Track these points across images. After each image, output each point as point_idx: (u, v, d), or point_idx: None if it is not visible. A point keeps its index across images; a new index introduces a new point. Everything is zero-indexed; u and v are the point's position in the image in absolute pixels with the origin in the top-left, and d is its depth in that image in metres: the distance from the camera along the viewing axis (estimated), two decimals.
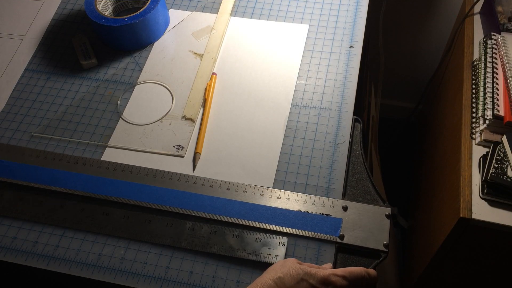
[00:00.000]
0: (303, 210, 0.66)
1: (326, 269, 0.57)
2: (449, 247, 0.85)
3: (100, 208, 0.68)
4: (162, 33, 0.87)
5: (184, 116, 0.76)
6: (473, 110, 0.85)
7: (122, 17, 0.81)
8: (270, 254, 0.62)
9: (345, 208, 0.66)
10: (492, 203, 0.75)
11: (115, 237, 0.66)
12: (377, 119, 1.30)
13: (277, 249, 0.63)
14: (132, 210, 0.67)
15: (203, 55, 0.83)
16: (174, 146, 0.74)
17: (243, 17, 0.89)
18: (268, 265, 0.62)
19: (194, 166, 0.71)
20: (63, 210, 0.68)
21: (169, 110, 0.78)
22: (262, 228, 0.65)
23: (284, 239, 0.64)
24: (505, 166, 0.75)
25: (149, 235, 0.65)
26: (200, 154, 0.72)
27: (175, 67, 0.83)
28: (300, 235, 0.64)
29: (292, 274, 0.54)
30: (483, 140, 0.80)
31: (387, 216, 0.65)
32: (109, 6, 0.88)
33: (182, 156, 0.72)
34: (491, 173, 0.74)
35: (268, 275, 0.54)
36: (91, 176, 0.70)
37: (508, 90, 0.80)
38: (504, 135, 0.77)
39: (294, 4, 0.90)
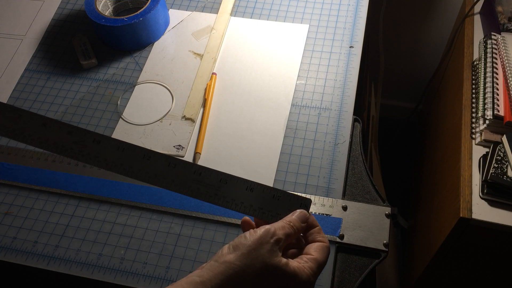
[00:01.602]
0: None
1: (305, 271, 0.49)
2: (449, 247, 0.85)
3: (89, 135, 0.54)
4: (162, 33, 0.87)
5: (184, 116, 0.76)
6: (473, 110, 0.85)
7: (122, 17, 0.82)
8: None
9: (345, 208, 0.66)
10: (492, 203, 0.75)
11: (115, 236, 0.66)
12: (377, 119, 1.30)
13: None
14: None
15: (203, 55, 0.83)
16: (174, 146, 0.74)
17: (243, 17, 0.89)
18: None
19: None
20: (45, 129, 0.54)
21: (169, 110, 0.78)
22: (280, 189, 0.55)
23: (308, 201, 0.53)
24: (505, 166, 0.75)
25: (146, 174, 0.54)
26: (200, 154, 0.72)
27: (175, 67, 0.83)
28: None
29: (269, 278, 0.47)
30: (483, 140, 0.80)
31: (387, 216, 0.65)
32: (109, 6, 0.88)
33: (182, 156, 0.72)
34: (491, 173, 0.74)
35: (240, 273, 0.46)
36: (91, 177, 0.70)
37: (508, 90, 0.80)
38: (504, 135, 0.77)
39: (294, 4, 0.90)
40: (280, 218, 0.51)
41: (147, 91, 0.80)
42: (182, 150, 0.73)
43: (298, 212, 0.52)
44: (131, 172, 0.53)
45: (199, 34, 0.86)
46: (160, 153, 0.53)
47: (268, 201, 0.53)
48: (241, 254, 0.46)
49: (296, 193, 0.58)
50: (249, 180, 0.53)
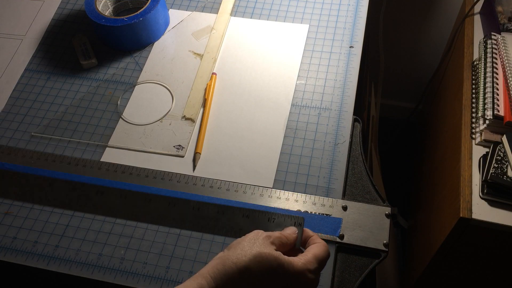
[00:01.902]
0: (303, 210, 0.66)
1: (300, 261, 0.50)
2: (449, 247, 0.85)
3: (93, 187, 0.62)
4: (162, 33, 0.87)
5: (184, 116, 0.76)
6: (473, 110, 0.85)
7: (122, 17, 0.82)
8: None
9: (345, 208, 0.66)
10: (492, 203, 0.75)
11: (115, 236, 0.66)
12: (377, 119, 1.30)
13: None
14: (130, 192, 0.62)
15: (203, 55, 0.83)
16: (174, 146, 0.74)
17: (243, 17, 0.89)
18: None
19: (194, 166, 0.71)
20: (51, 189, 0.65)
21: (169, 110, 0.78)
22: (274, 207, 0.60)
23: (301, 218, 0.58)
24: (505, 166, 0.75)
25: (148, 216, 0.59)
26: (200, 154, 0.72)
27: (175, 67, 0.83)
28: None
29: (264, 265, 0.47)
30: (483, 140, 0.80)
31: (387, 216, 0.65)
32: (109, 6, 0.88)
33: (182, 156, 0.72)
34: (491, 173, 0.74)
35: (234, 261, 0.47)
36: (91, 177, 0.70)
37: (508, 90, 0.80)
38: (504, 135, 0.77)
39: (294, 4, 0.90)
40: None
41: (147, 91, 0.80)
42: (182, 150, 0.73)
43: (287, 228, 0.55)
44: (135, 217, 0.59)
45: (199, 34, 0.86)
46: (160, 195, 0.59)
47: (264, 225, 0.57)
48: (234, 248, 0.48)
49: (291, 210, 0.62)
50: (244, 208, 0.58)
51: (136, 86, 0.81)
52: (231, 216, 0.58)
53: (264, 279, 0.47)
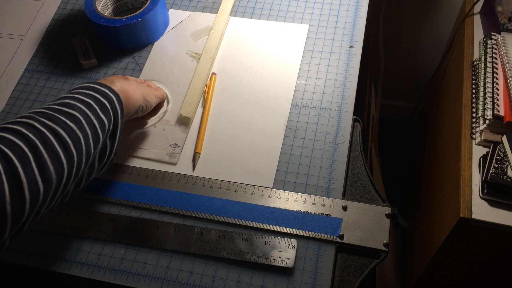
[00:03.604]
0: (303, 210, 0.66)
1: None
2: (449, 247, 0.85)
3: (106, 215, 0.67)
4: (162, 33, 0.87)
5: (181, 114, 0.76)
6: (473, 110, 0.85)
7: (121, 18, 0.81)
8: (280, 257, 0.62)
9: (345, 208, 0.66)
10: (492, 203, 0.75)
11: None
12: (377, 119, 1.30)
13: (287, 251, 0.63)
14: (139, 216, 0.67)
15: (201, 54, 0.83)
16: (170, 145, 0.73)
17: (243, 17, 0.89)
18: (279, 268, 0.62)
19: (194, 166, 0.71)
20: (68, 217, 0.67)
21: (166, 110, 0.78)
22: (269, 230, 0.65)
23: (294, 241, 0.63)
24: (505, 166, 0.75)
25: (157, 240, 0.64)
26: (200, 154, 0.72)
27: (174, 67, 0.83)
28: (300, 235, 0.64)
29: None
30: (483, 140, 0.80)
31: (387, 216, 0.65)
32: (109, 6, 0.88)
33: (178, 154, 0.72)
34: (491, 173, 0.74)
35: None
36: None
37: (508, 90, 0.80)
38: (504, 135, 0.77)
39: (294, 4, 0.90)
40: (270, 261, 0.62)
41: None
42: (178, 148, 0.73)
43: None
44: (143, 242, 0.65)
45: (198, 34, 0.86)
46: (166, 222, 0.66)
47: (261, 247, 0.63)
48: None
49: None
50: (243, 232, 0.64)
51: None
52: (231, 240, 0.64)
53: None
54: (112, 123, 0.58)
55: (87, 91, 0.57)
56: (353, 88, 0.78)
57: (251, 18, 0.88)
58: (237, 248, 0.63)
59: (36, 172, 0.46)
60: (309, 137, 0.74)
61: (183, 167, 0.71)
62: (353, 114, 0.76)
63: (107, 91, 0.59)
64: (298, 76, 0.80)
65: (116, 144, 0.60)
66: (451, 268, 0.95)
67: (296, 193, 0.68)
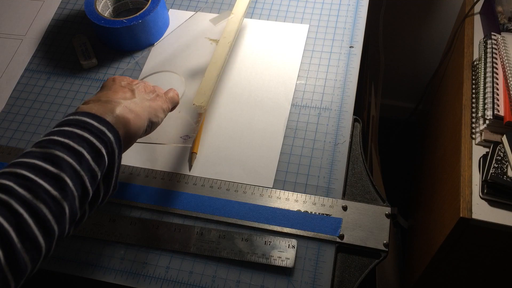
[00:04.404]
0: (303, 210, 0.66)
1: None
2: (449, 247, 0.85)
3: (106, 215, 0.67)
4: (162, 35, 0.87)
5: (194, 104, 0.72)
6: (473, 110, 0.85)
7: (121, 19, 0.81)
8: (280, 257, 0.62)
9: (345, 208, 0.66)
10: (492, 203, 0.75)
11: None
12: (377, 119, 1.30)
13: (287, 251, 0.63)
14: (139, 216, 0.67)
15: (217, 41, 0.83)
16: (181, 137, 0.72)
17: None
18: (279, 268, 0.62)
19: (190, 166, 0.71)
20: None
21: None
22: (269, 230, 0.65)
23: (294, 241, 0.63)
24: (505, 166, 0.75)
25: (157, 240, 0.65)
26: (196, 154, 0.72)
27: (173, 68, 0.83)
28: (300, 235, 0.64)
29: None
30: (483, 140, 0.80)
31: (387, 216, 0.65)
32: (109, 6, 0.88)
33: (190, 146, 0.72)
34: (491, 173, 0.74)
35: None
36: None
37: (508, 90, 0.80)
38: (504, 135, 0.77)
39: (294, 4, 0.90)
40: (270, 261, 0.62)
41: None
42: (189, 140, 0.72)
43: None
44: (143, 242, 0.65)
45: (217, 19, 0.82)
46: (166, 221, 0.66)
47: (261, 247, 0.63)
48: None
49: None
50: (243, 232, 0.64)
51: None
52: (231, 240, 0.64)
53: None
54: (106, 167, 0.52)
55: (81, 132, 0.50)
56: (353, 88, 0.78)
57: (251, 18, 0.88)
58: (237, 248, 0.63)
59: (6, 269, 0.40)
60: (309, 137, 0.74)
61: (183, 167, 0.71)
62: (353, 114, 0.76)
63: (104, 129, 0.51)
64: (298, 76, 0.80)
65: (111, 185, 0.54)
66: (451, 268, 0.95)
67: (296, 193, 0.68)
